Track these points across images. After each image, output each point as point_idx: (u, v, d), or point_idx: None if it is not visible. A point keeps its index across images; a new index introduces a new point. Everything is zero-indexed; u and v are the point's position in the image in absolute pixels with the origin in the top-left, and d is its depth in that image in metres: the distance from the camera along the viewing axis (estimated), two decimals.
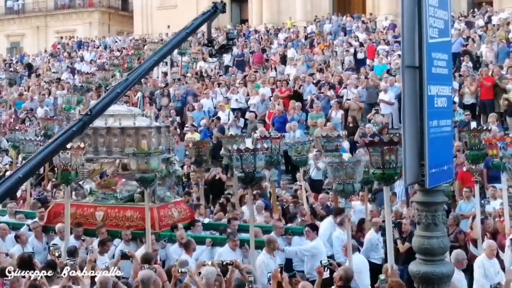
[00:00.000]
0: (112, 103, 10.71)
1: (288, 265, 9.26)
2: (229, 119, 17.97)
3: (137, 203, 10.42)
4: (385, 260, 9.09)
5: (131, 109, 12.31)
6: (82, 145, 9.71)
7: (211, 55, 13.41)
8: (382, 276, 7.59)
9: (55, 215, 10.70)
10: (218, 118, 17.78)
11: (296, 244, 9.80)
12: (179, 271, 7.30)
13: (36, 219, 10.88)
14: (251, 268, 8.13)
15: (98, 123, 10.92)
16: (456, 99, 16.19)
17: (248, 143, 9.57)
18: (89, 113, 8.37)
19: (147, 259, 8.24)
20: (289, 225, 10.49)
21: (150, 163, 9.14)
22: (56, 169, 9.65)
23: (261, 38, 27.99)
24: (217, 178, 14.61)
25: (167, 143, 11.27)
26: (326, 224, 10.45)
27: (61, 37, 38.68)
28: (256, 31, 30.32)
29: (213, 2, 10.72)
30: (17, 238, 9.92)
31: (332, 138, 11.96)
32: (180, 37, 10.98)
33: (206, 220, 11.17)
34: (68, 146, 9.17)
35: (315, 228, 9.69)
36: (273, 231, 9.81)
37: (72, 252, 8.58)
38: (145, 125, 10.96)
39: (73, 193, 10.85)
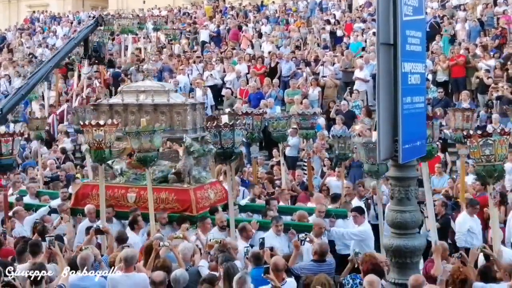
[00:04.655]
0: (19, 104, 12.03)
1: (331, 249, 8.71)
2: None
3: (171, 184, 9.82)
4: None
5: (165, 85, 11.82)
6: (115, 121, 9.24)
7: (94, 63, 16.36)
8: (356, 249, 7.74)
9: (83, 196, 10.06)
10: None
11: (340, 227, 9.20)
12: (160, 245, 7.34)
13: (59, 200, 10.38)
14: (235, 245, 8.14)
15: (129, 99, 10.71)
16: (430, 76, 16.39)
17: (225, 119, 9.43)
18: (0, 112, 9.81)
19: (121, 239, 8.24)
20: (331, 206, 9.90)
21: (154, 141, 8.76)
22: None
23: (238, 14, 27.80)
24: None
25: (202, 120, 10.78)
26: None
27: (34, 12, 37.83)
28: (232, 8, 30.08)
29: (93, 17, 12.92)
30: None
31: (307, 116, 12.02)
32: (70, 46, 13.62)
33: (243, 202, 10.56)
34: (102, 122, 8.93)
35: (362, 212, 9.16)
36: (315, 213, 9.29)
37: (42, 231, 8.33)
38: (179, 102, 10.49)
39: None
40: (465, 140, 7.30)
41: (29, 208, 10.18)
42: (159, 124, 9.88)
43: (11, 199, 10.46)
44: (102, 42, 20.94)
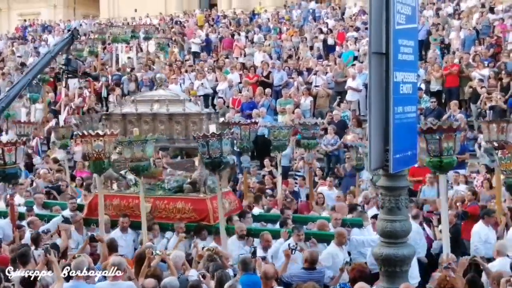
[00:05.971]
0: None
1: None
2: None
3: (186, 193, 9.79)
4: None
5: (179, 94, 11.76)
6: (115, 131, 9.22)
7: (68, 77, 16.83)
8: (347, 259, 7.73)
9: (96, 206, 9.78)
10: None
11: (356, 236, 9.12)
12: (152, 253, 7.32)
13: (69, 211, 10.21)
14: (229, 255, 8.12)
15: (143, 108, 10.64)
16: (423, 86, 16.40)
17: (213, 128, 9.45)
18: None
19: (112, 247, 8.23)
20: (347, 216, 9.87)
21: (146, 150, 8.80)
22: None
23: (230, 23, 27.83)
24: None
25: (218, 130, 10.73)
26: None
27: (25, 20, 37.74)
28: (224, 16, 30.13)
29: (68, 30, 14.17)
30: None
31: (309, 126, 12.03)
32: (47, 58, 13.91)
33: (257, 212, 10.54)
34: (101, 132, 8.92)
35: None
36: (331, 222, 9.32)
37: (35, 239, 8.33)
38: (195, 112, 10.47)
39: (115, 184, 10.26)
40: (496, 151, 7.13)
41: (41, 218, 10.05)
42: (151, 134, 9.82)
43: (20, 209, 10.47)
44: (84, 54, 21.19)
